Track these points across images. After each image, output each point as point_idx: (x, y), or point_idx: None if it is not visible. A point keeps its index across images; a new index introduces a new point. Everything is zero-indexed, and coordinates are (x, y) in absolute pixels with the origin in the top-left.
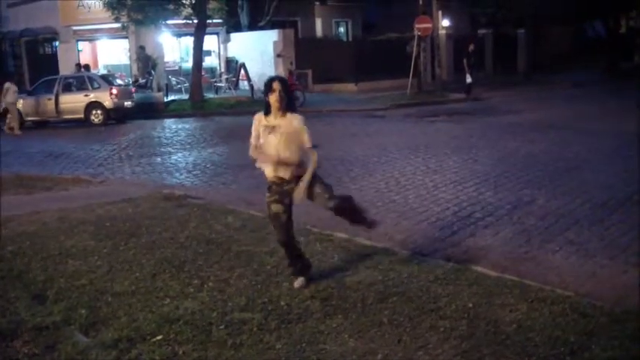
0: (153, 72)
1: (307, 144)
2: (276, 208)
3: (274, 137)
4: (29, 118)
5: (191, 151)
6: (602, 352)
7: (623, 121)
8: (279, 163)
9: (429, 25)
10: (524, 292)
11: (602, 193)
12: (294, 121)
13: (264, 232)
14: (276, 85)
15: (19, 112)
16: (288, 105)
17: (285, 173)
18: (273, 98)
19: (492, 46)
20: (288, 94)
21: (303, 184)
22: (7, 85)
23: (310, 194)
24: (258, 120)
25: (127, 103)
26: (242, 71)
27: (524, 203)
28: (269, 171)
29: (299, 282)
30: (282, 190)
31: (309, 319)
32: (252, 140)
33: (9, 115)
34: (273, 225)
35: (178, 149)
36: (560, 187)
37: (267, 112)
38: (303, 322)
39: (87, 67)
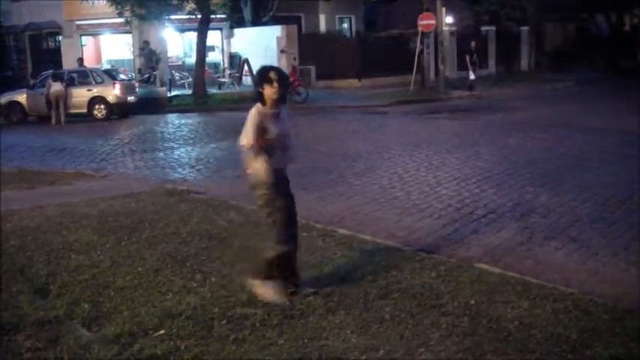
0: (156, 67)
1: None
2: None
3: None
4: (32, 113)
5: (194, 147)
6: (603, 350)
7: (625, 119)
8: None
9: (433, 22)
10: (526, 290)
11: (603, 191)
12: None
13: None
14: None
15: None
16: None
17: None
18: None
19: (495, 44)
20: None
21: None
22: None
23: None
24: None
25: (130, 98)
26: (245, 67)
27: (526, 201)
28: None
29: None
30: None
31: (311, 315)
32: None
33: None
34: None
35: (181, 144)
36: (562, 185)
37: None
38: (306, 317)
39: (80, 60)
